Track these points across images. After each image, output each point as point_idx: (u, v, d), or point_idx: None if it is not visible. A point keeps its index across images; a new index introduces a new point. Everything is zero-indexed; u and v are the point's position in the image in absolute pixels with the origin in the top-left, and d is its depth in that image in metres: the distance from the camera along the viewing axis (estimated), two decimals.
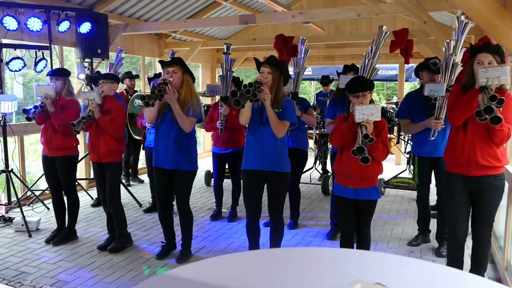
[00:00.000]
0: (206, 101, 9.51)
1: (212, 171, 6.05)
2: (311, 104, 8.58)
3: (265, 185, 3.68)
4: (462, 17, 3.70)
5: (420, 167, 4.38)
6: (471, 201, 3.19)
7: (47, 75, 4.50)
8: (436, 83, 4.04)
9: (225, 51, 4.88)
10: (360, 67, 4.14)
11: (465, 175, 3.12)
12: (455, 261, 3.29)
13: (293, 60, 4.84)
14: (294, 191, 5.03)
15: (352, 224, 3.47)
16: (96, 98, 4.14)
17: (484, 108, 2.73)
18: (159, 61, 4.24)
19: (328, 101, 4.81)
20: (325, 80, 8.18)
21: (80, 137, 4.68)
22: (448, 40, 3.85)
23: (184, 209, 4.06)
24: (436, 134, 4.08)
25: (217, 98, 6.29)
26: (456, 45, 3.79)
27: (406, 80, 11.35)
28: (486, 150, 3.00)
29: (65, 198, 4.63)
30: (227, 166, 5.46)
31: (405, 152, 7.89)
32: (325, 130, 4.91)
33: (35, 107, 4.36)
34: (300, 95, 4.92)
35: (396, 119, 6.41)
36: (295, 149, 4.73)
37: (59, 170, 4.48)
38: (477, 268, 3.24)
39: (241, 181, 5.27)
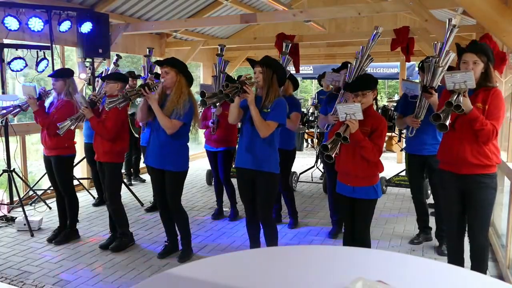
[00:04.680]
0: None
1: None
2: (310, 102, 8.59)
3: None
4: (454, 21, 3.69)
5: (410, 164, 4.44)
6: (463, 199, 3.16)
7: (48, 76, 4.55)
8: (412, 82, 4.08)
9: (219, 52, 4.88)
10: (349, 67, 4.17)
11: (455, 173, 3.11)
12: (454, 257, 3.29)
13: None
14: (285, 190, 5.04)
15: (352, 222, 3.46)
16: (83, 101, 4.18)
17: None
18: (155, 62, 4.24)
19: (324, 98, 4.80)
20: (322, 77, 8.15)
21: (78, 138, 4.69)
22: (436, 42, 3.86)
23: (175, 210, 4.05)
24: (414, 131, 4.14)
25: None
26: (442, 48, 3.79)
27: (407, 78, 11.34)
28: (475, 148, 2.98)
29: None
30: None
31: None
32: (320, 126, 4.86)
33: (13, 106, 4.55)
34: (301, 94, 4.89)
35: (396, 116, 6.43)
36: (280, 149, 4.64)
37: (53, 169, 4.49)
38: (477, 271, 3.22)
39: (231, 180, 5.31)
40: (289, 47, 4.76)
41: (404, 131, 7.11)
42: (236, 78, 5.10)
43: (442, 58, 3.79)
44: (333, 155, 3.02)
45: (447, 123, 2.81)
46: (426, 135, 4.14)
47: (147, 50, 5.48)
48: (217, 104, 3.59)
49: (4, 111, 4.58)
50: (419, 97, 4.02)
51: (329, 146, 3.02)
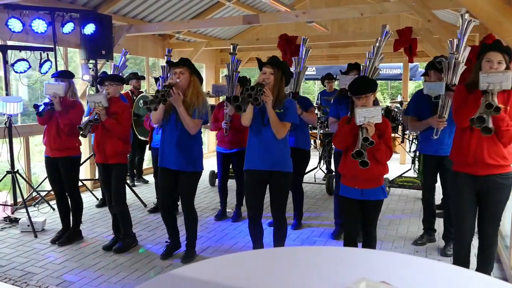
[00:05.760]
0: (210, 101, 9.52)
1: (216, 171, 6.05)
2: (315, 103, 8.58)
3: (268, 185, 3.68)
4: (466, 16, 3.67)
5: (425, 165, 4.39)
6: (478, 200, 3.16)
7: (52, 77, 4.53)
8: (435, 82, 4.03)
9: (232, 51, 4.89)
10: (362, 67, 4.15)
11: (472, 175, 3.09)
12: (461, 261, 3.27)
13: (294, 60, 4.84)
14: (297, 191, 5.02)
15: (357, 225, 3.48)
16: (103, 101, 4.14)
17: (476, 118, 2.73)
18: (167, 62, 4.23)
19: (332, 100, 4.80)
20: (326, 79, 8.15)
21: (83, 138, 4.67)
22: (451, 39, 3.83)
23: (189, 210, 4.07)
24: (439, 133, 4.07)
25: (221, 98, 6.29)
26: (459, 44, 3.76)
27: (410, 79, 11.32)
28: (493, 148, 2.97)
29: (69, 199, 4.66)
30: (231, 166, 5.46)
31: (409, 151, 7.86)
32: (329, 129, 4.90)
33: (46, 104, 4.35)
34: (303, 95, 4.92)
35: (401, 118, 6.41)
36: (297, 148, 4.67)
37: (61, 170, 4.49)
38: (484, 268, 3.21)
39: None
40: (307, 40, 4.86)
41: (407, 132, 7.16)
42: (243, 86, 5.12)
43: (460, 53, 3.76)
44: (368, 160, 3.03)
45: (491, 125, 2.76)
46: (443, 134, 4.09)
47: (167, 50, 5.49)
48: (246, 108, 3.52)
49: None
50: (442, 96, 3.97)
51: (363, 151, 3.03)
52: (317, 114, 7.68)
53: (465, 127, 3.06)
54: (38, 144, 7.69)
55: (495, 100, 2.74)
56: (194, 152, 3.93)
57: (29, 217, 4.91)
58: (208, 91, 7.37)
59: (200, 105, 3.80)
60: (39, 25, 5.48)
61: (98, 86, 5.40)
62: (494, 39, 4.15)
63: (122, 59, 5.34)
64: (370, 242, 3.46)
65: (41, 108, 4.32)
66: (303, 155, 4.85)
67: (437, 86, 3.96)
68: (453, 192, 3.33)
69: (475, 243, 3.34)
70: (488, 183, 3.06)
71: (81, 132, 4.11)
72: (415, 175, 6.57)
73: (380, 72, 4.12)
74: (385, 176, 3.43)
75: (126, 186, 4.68)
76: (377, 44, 4.02)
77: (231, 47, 4.90)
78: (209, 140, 10.50)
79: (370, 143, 3.02)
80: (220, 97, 6.02)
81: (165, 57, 5.48)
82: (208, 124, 4.70)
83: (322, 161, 7.50)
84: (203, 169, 4.08)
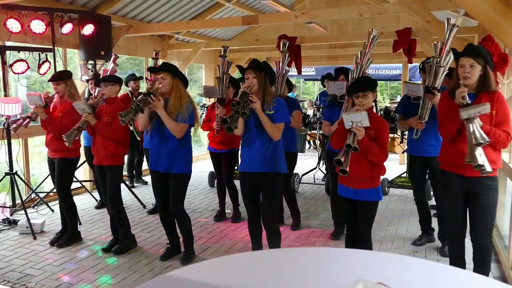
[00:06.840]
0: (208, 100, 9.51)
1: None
2: (315, 104, 8.58)
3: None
4: (453, 20, 3.68)
5: (411, 166, 4.42)
6: (466, 200, 3.17)
7: (49, 81, 4.54)
8: (414, 83, 4.07)
9: (222, 53, 4.89)
10: (350, 71, 4.17)
11: (460, 175, 3.10)
12: (456, 258, 3.29)
13: (276, 64, 4.80)
14: (287, 192, 5.05)
15: (354, 224, 3.47)
16: (86, 108, 4.15)
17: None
18: (148, 69, 4.23)
19: (326, 102, 4.80)
20: (326, 79, 8.13)
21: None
22: (435, 42, 3.85)
23: (178, 212, 4.04)
24: (419, 133, 4.12)
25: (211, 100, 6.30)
26: (443, 48, 3.77)
27: (410, 80, 11.32)
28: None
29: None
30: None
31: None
32: (323, 132, 4.86)
33: (24, 118, 4.53)
34: (303, 96, 4.89)
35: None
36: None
37: (56, 171, 4.49)
38: (481, 271, 3.20)
39: (234, 181, 5.31)
40: (287, 45, 4.79)
41: (406, 132, 7.17)
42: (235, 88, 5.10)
43: (443, 58, 3.78)
44: (347, 168, 3.03)
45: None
46: (428, 136, 4.12)
47: (154, 52, 5.47)
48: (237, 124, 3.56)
49: (15, 124, 4.53)
50: (422, 98, 4.01)
51: (342, 159, 3.03)
52: (316, 114, 7.70)
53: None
54: (37, 146, 7.69)
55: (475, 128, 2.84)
56: (181, 155, 3.90)
57: (28, 219, 4.90)
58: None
59: (183, 109, 3.78)
60: (38, 26, 5.47)
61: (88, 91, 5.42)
62: (493, 40, 4.17)
63: (111, 65, 5.33)
64: (363, 247, 3.36)
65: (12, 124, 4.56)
66: (290, 157, 4.75)
67: (415, 87, 4.01)
68: (442, 191, 3.38)
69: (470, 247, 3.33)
70: (476, 185, 3.06)
71: (65, 143, 4.13)
72: None
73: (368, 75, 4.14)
74: (384, 176, 3.43)
75: (126, 188, 4.66)
76: (365, 50, 4.04)
77: (222, 49, 4.90)
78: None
79: (354, 149, 3.04)
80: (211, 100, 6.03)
81: (153, 59, 5.50)
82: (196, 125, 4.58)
83: (321, 161, 7.51)
84: (191, 172, 4.05)
